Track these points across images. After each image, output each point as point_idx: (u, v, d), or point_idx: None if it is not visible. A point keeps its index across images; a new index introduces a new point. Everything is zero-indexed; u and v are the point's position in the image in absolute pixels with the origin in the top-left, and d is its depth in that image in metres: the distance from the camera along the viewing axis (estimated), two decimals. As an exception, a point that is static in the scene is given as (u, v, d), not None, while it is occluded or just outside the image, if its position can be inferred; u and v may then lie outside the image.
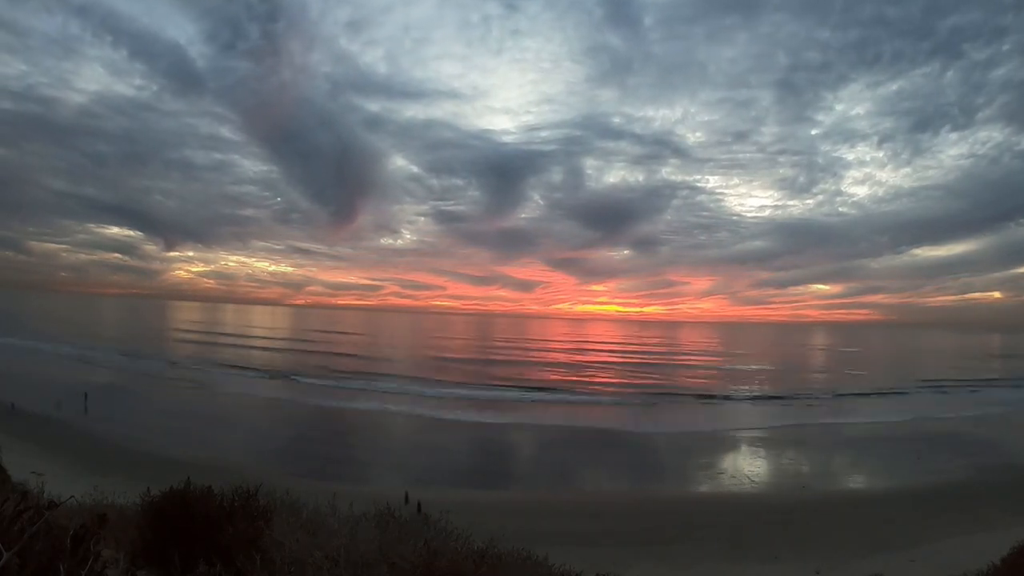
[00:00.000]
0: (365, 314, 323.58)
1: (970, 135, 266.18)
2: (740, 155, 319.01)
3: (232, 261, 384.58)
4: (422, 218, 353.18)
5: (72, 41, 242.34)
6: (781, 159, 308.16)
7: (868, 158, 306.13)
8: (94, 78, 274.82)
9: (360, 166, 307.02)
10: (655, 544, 13.69)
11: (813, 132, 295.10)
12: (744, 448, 25.51)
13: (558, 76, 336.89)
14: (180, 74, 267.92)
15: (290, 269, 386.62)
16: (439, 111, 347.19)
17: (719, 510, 16.61)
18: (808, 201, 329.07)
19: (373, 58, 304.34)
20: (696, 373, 58.66)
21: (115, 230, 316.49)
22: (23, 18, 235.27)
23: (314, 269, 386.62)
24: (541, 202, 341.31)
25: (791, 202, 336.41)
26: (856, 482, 20.65)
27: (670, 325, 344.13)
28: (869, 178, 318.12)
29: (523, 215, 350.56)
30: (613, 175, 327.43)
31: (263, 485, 5.03)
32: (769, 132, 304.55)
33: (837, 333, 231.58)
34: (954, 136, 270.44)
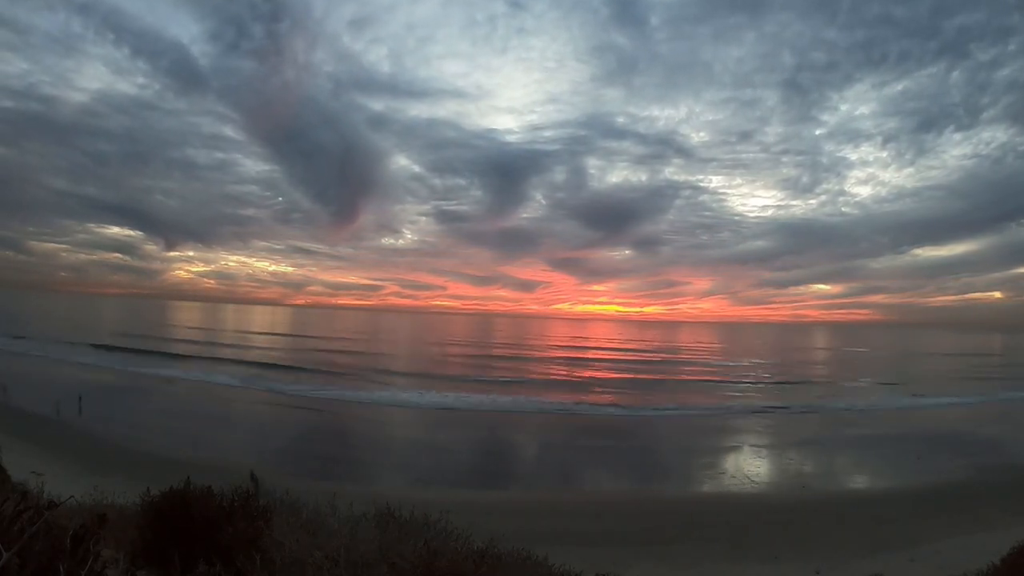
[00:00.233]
0: (365, 314, 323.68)
1: (974, 135, 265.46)
2: (744, 155, 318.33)
3: (232, 261, 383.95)
4: (423, 218, 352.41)
5: (74, 39, 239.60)
6: (784, 159, 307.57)
7: (872, 158, 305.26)
8: (96, 76, 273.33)
9: (362, 166, 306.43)
10: (655, 544, 13.68)
11: (817, 132, 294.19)
12: (744, 449, 25.49)
13: (563, 75, 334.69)
14: (183, 73, 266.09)
15: (290, 269, 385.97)
16: (443, 110, 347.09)
17: (719, 510, 16.61)
18: (811, 201, 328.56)
19: (377, 57, 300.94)
20: (700, 374, 58.69)
21: (115, 230, 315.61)
22: (24, 16, 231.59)
23: (314, 269, 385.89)
24: (543, 202, 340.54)
25: (794, 202, 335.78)
26: (856, 482, 20.66)
27: (670, 325, 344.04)
28: (872, 178, 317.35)
29: (525, 215, 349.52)
30: (616, 175, 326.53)
31: (263, 485, 5.03)
32: (773, 132, 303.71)
33: (841, 333, 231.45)
34: (958, 136, 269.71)
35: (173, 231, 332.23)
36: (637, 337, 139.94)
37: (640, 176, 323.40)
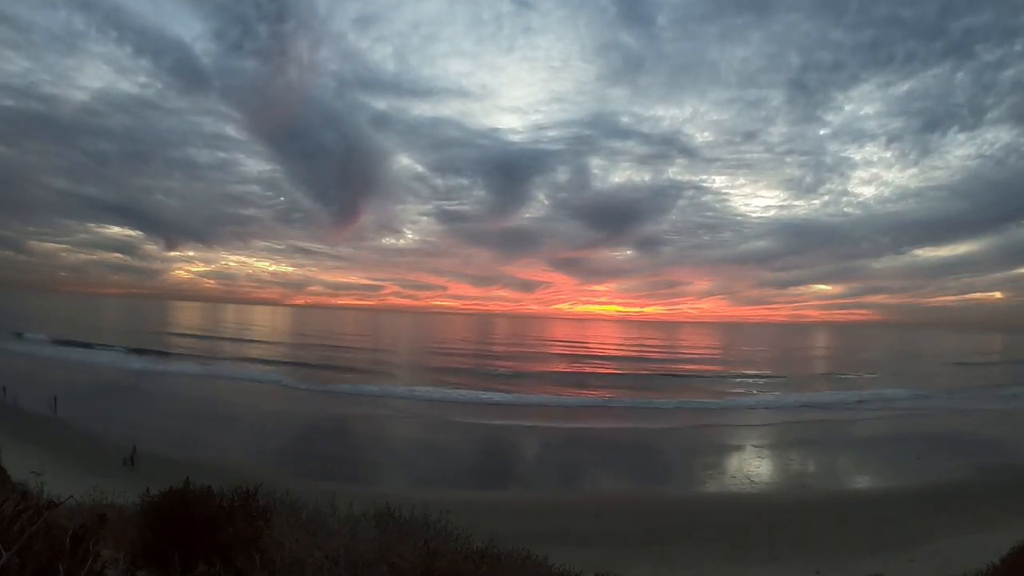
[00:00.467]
0: (365, 314, 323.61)
1: (978, 136, 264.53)
2: (748, 155, 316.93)
3: (232, 261, 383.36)
4: (425, 218, 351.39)
5: (75, 37, 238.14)
6: (788, 159, 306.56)
7: (875, 158, 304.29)
8: (97, 75, 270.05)
9: (364, 165, 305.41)
10: (655, 544, 13.69)
11: (822, 132, 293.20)
12: (745, 450, 25.49)
13: (568, 75, 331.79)
14: (185, 72, 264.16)
15: (290, 269, 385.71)
16: (447, 109, 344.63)
17: (719, 510, 16.62)
18: (814, 201, 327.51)
19: (382, 55, 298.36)
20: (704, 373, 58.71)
21: (116, 230, 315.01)
22: (26, 13, 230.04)
23: (315, 269, 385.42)
24: (546, 202, 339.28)
25: (797, 202, 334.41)
26: (856, 482, 20.67)
27: (670, 325, 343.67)
28: (876, 178, 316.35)
29: (527, 215, 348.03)
30: (619, 175, 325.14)
31: (263, 485, 5.02)
32: (778, 132, 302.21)
33: (844, 333, 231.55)
34: (962, 137, 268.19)
35: (173, 231, 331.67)
36: (659, 338, 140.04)
37: (643, 176, 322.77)
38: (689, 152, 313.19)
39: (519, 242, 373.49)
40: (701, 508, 16.90)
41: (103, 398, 30.75)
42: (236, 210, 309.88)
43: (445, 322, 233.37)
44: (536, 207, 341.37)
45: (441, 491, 16.78)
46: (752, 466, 22.15)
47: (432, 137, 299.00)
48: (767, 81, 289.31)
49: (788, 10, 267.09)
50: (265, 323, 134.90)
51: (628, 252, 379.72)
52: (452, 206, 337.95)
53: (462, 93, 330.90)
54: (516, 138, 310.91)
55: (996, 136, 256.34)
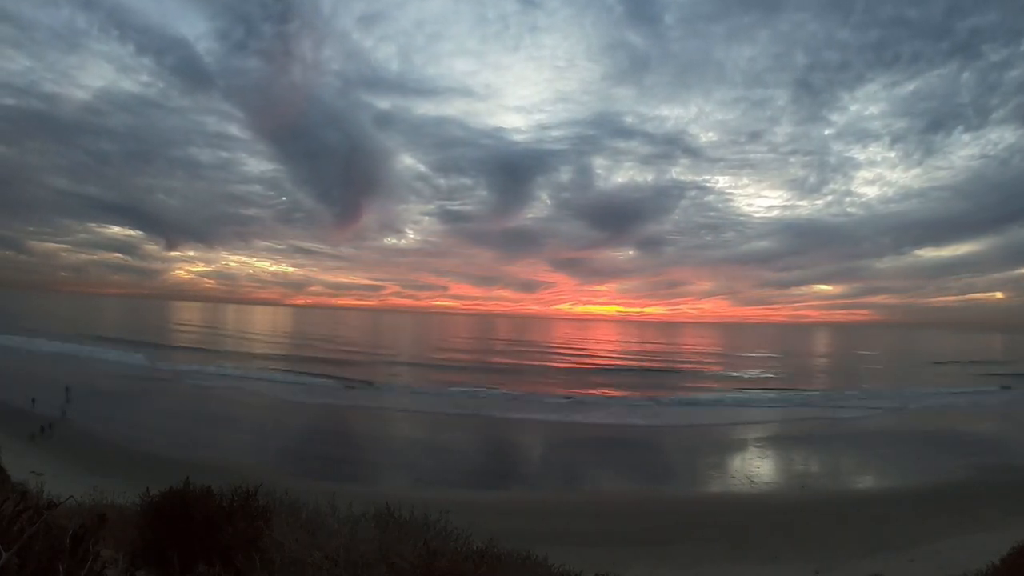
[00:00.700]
0: (366, 315, 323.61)
1: (982, 136, 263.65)
2: (752, 155, 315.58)
3: (233, 261, 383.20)
4: (427, 218, 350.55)
5: (77, 35, 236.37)
6: (792, 159, 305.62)
7: (879, 158, 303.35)
8: (99, 74, 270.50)
9: (367, 165, 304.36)
10: (655, 544, 13.69)
11: (826, 132, 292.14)
12: (745, 450, 25.49)
13: (573, 74, 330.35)
14: (188, 70, 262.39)
15: (291, 269, 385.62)
16: (451, 109, 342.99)
17: (719, 510, 16.62)
18: (817, 201, 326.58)
19: (386, 54, 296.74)
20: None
21: (116, 229, 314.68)
22: (28, 11, 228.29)
23: (315, 269, 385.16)
24: (549, 202, 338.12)
25: (800, 202, 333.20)
26: (856, 482, 20.66)
27: (671, 325, 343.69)
28: (880, 178, 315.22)
29: (530, 215, 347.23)
30: (622, 175, 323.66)
31: (263, 485, 5.03)
32: (782, 132, 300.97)
33: (839, 334, 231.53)
34: (967, 137, 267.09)
35: (174, 231, 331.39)
36: (659, 338, 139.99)
37: (647, 176, 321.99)
38: (693, 152, 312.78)
39: (521, 242, 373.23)
40: (701, 508, 16.90)
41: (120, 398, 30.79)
42: (237, 210, 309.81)
43: (450, 322, 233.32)
44: (539, 207, 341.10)
45: (441, 491, 16.78)
46: (752, 466, 22.15)
47: (435, 137, 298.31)
48: (773, 81, 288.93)
49: (795, 9, 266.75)
50: (267, 323, 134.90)
51: (630, 252, 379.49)
52: (454, 206, 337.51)
53: (466, 92, 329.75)
54: (520, 138, 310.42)
55: (1000, 136, 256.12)
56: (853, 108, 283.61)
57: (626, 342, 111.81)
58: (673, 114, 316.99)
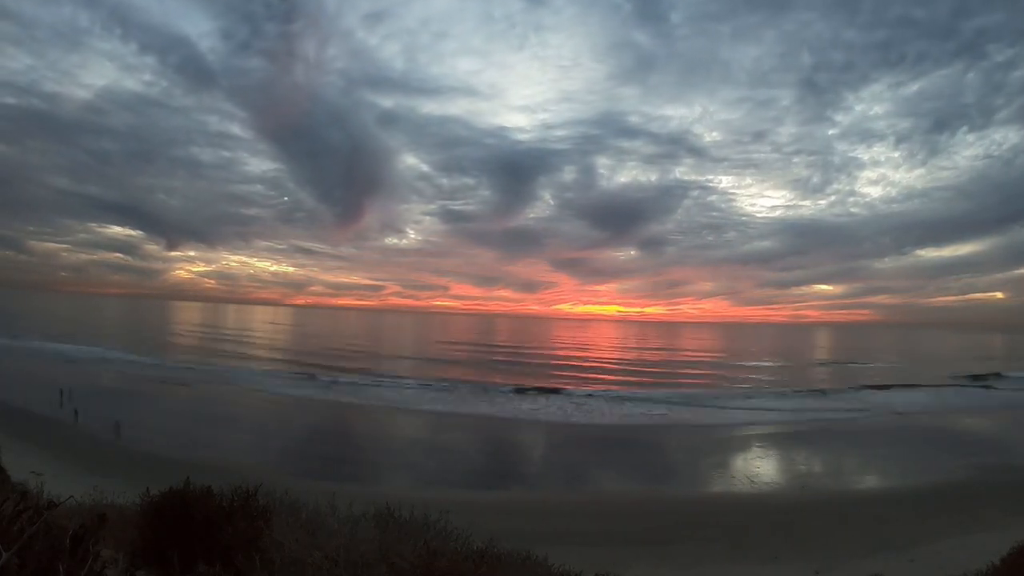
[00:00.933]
0: (366, 315, 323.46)
1: (987, 136, 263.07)
2: (755, 155, 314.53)
3: (234, 261, 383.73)
4: (428, 218, 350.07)
5: (79, 33, 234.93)
6: (796, 159, 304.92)
7: (883, 158, 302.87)
8: (101, 73, 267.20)
9: (370, 165, 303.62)
10: (655, 544, 13.69)
11: (830, 132, 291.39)
12: (746, 450, 25.50)
13: (578, 73, 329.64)
14: (191, 69, 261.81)
15: (291, 269, 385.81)
16: (455, 108, 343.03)
17: (720, 510, 16.62)
18: (820, 202, 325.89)
19: (390, 53, 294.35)
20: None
21: (116, 229, 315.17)
22: (29, 8, 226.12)
23: (316, 269, 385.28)
24: (551, 202, 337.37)
25: (803, 202, 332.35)
26: (856, 482, 20.65)
27: (671, 325, 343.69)
28: (883, 178, 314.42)
29: (532, 215, 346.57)
30: (625, 174, 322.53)
31: (263, 485, 5.03)
32: (787, 132, 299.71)
33: (839, 333, 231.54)
34: (971, 137, 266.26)
35: (175, 231, 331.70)
36: (660, 338, 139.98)
37: (650, 176, 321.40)
38: (697, 152, 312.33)
39: (523, 242, 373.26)
40: (701, 508, 16.90)
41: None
42: (238, 210, 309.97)
43: (449, 322, 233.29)
44: (541, 207, 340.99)
45: (441, 491, 16.78)
46: (753, 466, 22.14)
47: (439, 136, 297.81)
48: (778, 80, 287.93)
49: (802, 9, 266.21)
50: (268, 322, 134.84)
51: (631, 252, 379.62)
52: (456, 206, 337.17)
53: (470, 92, 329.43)
54: (523, 137, 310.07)
55: (1004, 136, 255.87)
56: (858, 108, 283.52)
57: (623, 345, 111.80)
58: (677, 114, 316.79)
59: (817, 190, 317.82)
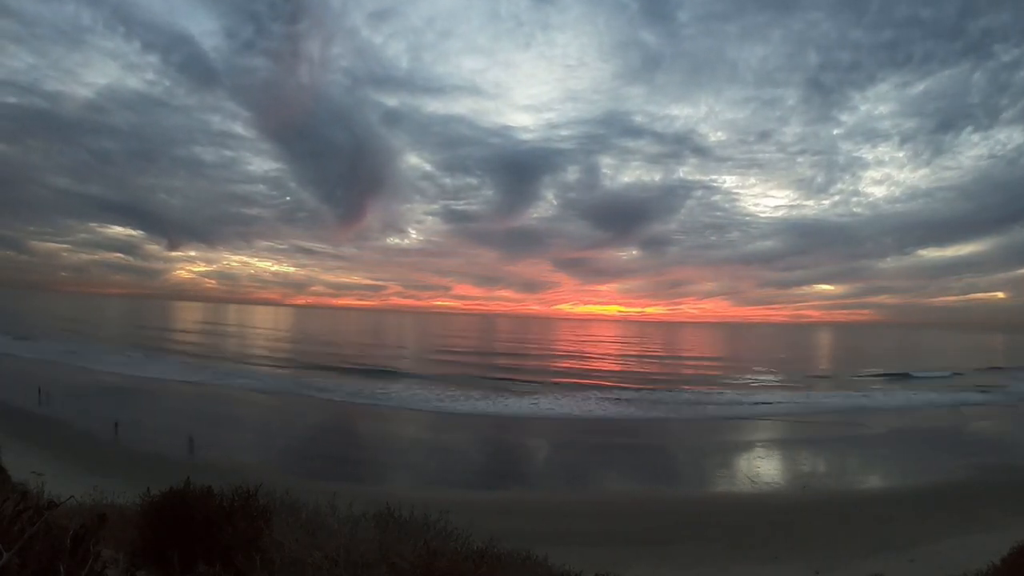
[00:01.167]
0: (366, 315, 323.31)
1: (991, 136, 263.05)
2: (760, 155, 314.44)
3: (235, 261, 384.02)
4: (430, 217, 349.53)
5: (82, 32, 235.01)
6: (800, 159, 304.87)
7: (888, 158, 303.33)
8: (103, 71, 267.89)
9: (373, 164, 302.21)
10: (655, 544, 13.69)
11: (835, 132, 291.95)
12: (747, 450, 25.50)
13: (584, 73, 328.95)
14: (194, 68, 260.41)
15: (292, 269, 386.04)
16: (459, 107, 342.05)
17: (720, 510, 16.62)
18: (824, 201, 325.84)
19: (395, 51, 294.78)
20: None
21: (117, 229, 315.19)
22: (31, 7, 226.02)
23: (317, 269, 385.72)
24: (554, 201, 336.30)
25: (807, 202, 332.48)
26: (856, 482, 20.64)
27: (672, 325, 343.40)
28: (888, 178, 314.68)
29: (535, 215, 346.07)
30: (629, 174, 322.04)
31: (263, 485, 5.03)
32: (791, 132, 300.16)
33: (838, 333, 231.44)
34: (976, 137, 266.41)
35: (176, 231, 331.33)
36: (660, 338, 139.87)
37: (654, 176, 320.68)
38: (701, 151, 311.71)
39: (525, 242, 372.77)
40: (702, 508, 16.89)
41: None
42: (240, 209, 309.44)
43: (451, 322, 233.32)
44: (544, 207, 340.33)
45: (441, 491, 16.78)
46: (753, 466, 22.14)
47: (443, 135, 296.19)
48: (784, 80, 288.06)
49: (809, 8, 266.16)
50: (268, 323, 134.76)
51: (634, 252, 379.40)
52: (459, 206, 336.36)
53: (475, 91, 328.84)
54: (527, 136, 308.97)
55: (1009, 136, 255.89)
56: (863, 108, 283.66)
57: (624, 345, 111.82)
58: (683, 113, 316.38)
59: (821, 190, 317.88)
